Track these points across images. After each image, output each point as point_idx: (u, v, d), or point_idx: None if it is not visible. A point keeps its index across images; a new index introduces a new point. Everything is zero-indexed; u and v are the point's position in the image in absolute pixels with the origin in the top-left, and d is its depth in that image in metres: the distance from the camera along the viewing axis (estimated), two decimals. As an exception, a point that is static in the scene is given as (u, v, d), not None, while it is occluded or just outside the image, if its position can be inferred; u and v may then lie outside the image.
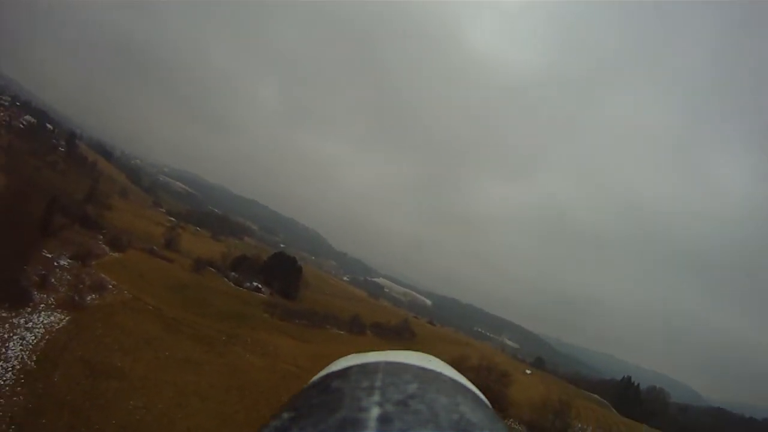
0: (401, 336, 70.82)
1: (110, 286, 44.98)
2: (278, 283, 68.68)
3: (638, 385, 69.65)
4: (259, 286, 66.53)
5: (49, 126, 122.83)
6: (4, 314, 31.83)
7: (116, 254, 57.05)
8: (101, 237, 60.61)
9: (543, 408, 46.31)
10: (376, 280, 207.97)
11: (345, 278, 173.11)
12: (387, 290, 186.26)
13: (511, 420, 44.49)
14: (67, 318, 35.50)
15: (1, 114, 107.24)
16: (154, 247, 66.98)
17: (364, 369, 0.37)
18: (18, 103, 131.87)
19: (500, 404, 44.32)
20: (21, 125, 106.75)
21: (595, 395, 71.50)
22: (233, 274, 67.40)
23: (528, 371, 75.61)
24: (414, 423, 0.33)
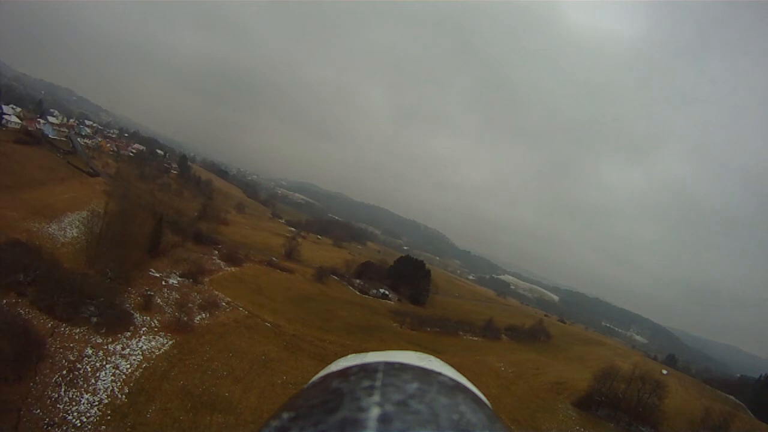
0: (536, 338, 71.26)
1: (223, 304, 44.36)
2: (406, 289, 68.95)
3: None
4: (386, 292, 66.54)
5: (159, 151, 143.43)
6: (98, 340, 29.72)
7: (232, 269, 58.35)
8: (216, 252, 62.65)
9: (701, 423, 44.03)
10: (501, 277, 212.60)
11: (470, 277, 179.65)
12: (513, 287, 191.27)
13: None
14: (170, 342, 32.81)
15: (109, 145, 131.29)
16: (274, 258, 67.66)
17: (364, 369, 0.41)
18: (126, 134, 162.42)
19: (651, 419, 43.32)
20: (130, 153, 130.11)
21: (731, 396, 71.77)
22: (358, 281, 67.85)
23: (664, 371, 74.84)
24: (414, 423, 0.34)
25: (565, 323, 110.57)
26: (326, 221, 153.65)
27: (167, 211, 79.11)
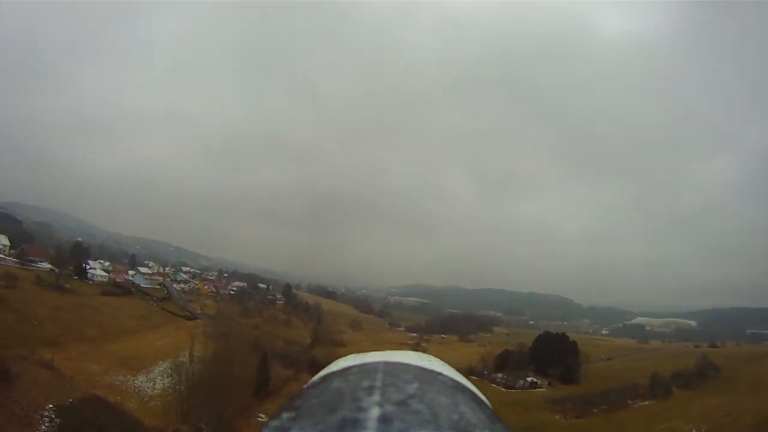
0: (706, 376, 71.80)
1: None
2: (554, 369, 70.69)
3: None
4: (534, 380, 68.95)
5: (262, 285, 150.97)
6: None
7: None
8: None
9: None
10: (633, 322, 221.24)
11: (604, 332, 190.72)
12: (649, 328, 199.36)
13: None
14: None
15: (207, 287, 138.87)
16: None
17: (364, 369, 0.46)
18: (226, 274, 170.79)
19: None
20: (231, 292, 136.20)
21: None
22: (500, 375, 70.47)
23: None
24: (414, 423, 0.38)
25: (717, 347, 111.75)
26: (446, 318, 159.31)
27: (276, 343, 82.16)
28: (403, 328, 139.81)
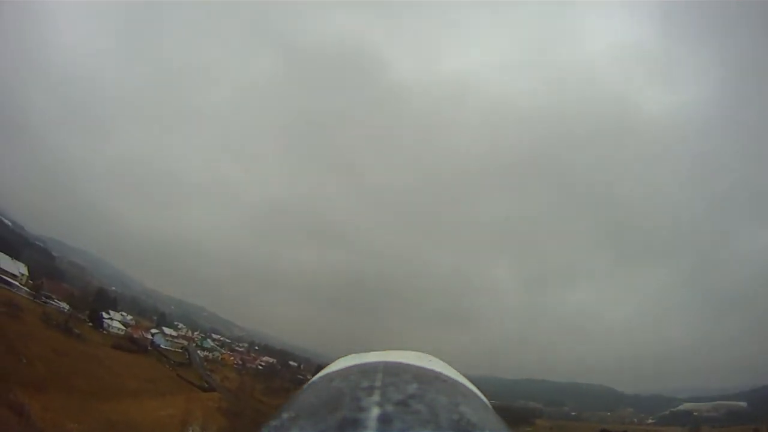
0: None
1: None
2: None
3: None
4: None
5: (293, 363, 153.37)
6: None
7: None
8: None
9: None
10: (680, 408, 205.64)
11: (650, 421, 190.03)
12: (697, 414, 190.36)
13: None
14: None
15: (233, 358, 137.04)
16: None
17: (364, 369, 0.51)
18: (256, 347, 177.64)
19: None
20: (258, 367, 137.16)
21: None
22: None
23: None
24: (414, 423, 0.41)
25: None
26: None
27: None
28: None
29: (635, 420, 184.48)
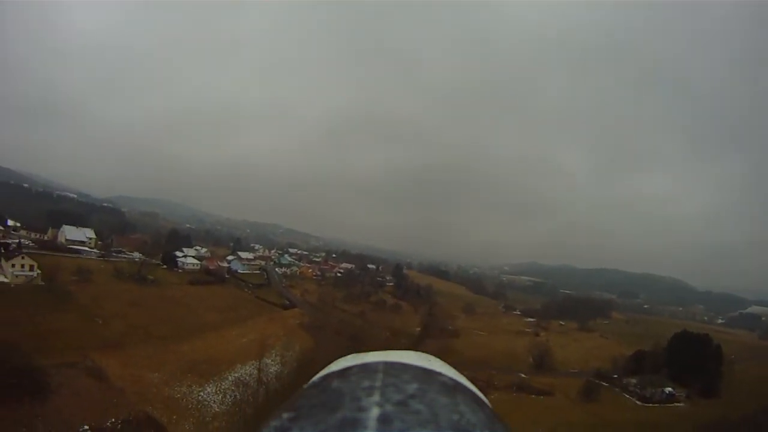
0: None
1: None
2: (693, 377, 69.00)
3: None
4: (672, 390, 66.79)
5: (371, 266, 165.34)
6: None
7: None
8: None
9: None
10: (748, 311, 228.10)
11: (719, 321, 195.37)
12: (764, 319, 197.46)
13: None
14: None
15: (311, 270, 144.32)
16: (523, 375, 69.08)
17: (364, 369, 0.51)
18: (334, 255, 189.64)
19: None
20: (337, 275, 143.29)
21: None
22: (634, 382, 68.63)
23: None
24: (414, 423, 0.42)
25: None
26: (561, 301, 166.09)
27: (380, 335, 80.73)
28: (518, 312, 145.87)
29: (705, 318, 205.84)
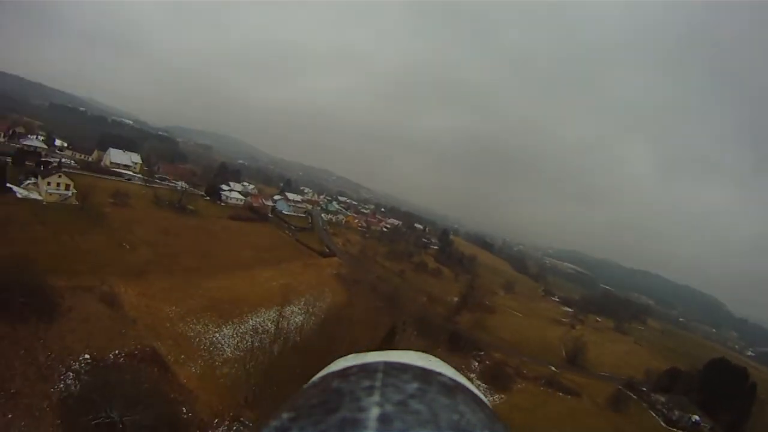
0: None
1: None
2: (723, 410, 66.41)
3: None
4: (698, 420, 64.32)
5: (418, 226, 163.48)
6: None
7: (497, 397, 54.59)
8: (475, 365, 61.18)
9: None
10: None
11: (749, 353, 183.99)
12: None
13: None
14: None
15: (358, 221, 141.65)
16: (553, 368, 68.07)
17: (364, 369, 0.51)
18: (383, 209, 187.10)
19: None
20: (383, 229, 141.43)
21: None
22: (662, 400, 66.42)
23: None
24: (414, 423, 0.42)
25: None
26: (600, 296, 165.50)
27: (417, 298, 77.87)
28: (557, 299, 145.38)
29: (736, 347, 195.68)
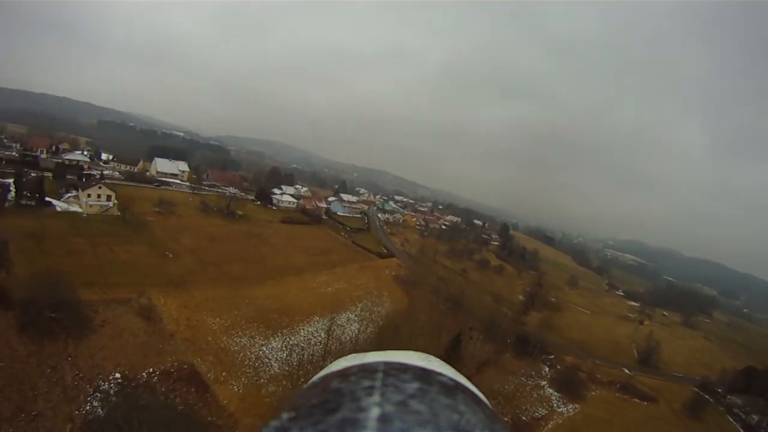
0: None
1: None
2: None
3: None
4: None
5: (477, 222, 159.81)
6: None
7: (570, 408, 50.88)
8: (545, 371, 57.99)
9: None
10: None
11: None
12: None
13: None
14: None
15: (415, 219, 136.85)
16: (626, 370, 65.06)
17: (364, 369, 0.52)
18: (440, 207, 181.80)
19: None
20: (442, 227, 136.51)
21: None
22: (739, 402, 63.55)
23: None
24: (414, 423, 0.41)
25: None
26: (664, 288, 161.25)
27: (481, 299, 74.81)
28: (621, 293, 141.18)
29: None
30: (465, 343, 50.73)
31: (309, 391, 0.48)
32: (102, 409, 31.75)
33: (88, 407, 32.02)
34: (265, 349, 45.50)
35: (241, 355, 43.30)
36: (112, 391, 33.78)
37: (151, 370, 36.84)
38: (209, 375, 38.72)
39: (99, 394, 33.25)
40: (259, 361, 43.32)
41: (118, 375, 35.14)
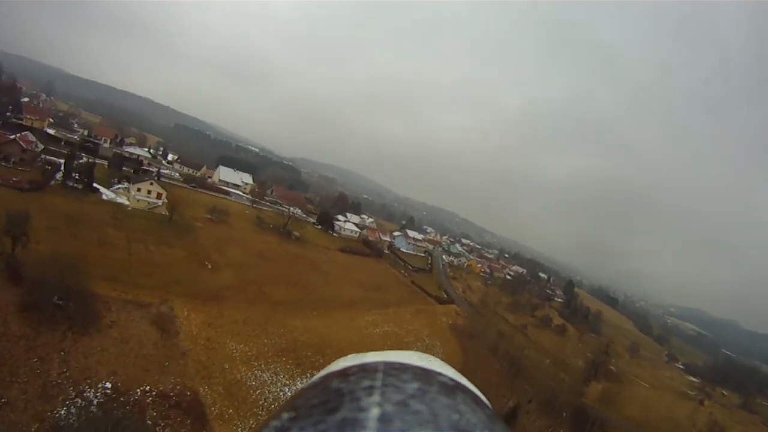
0: None
1: None
2: None
3: None
4: None
5: (542, 275, 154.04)
6: None
7: None
8: None
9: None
10: None
11: None
12: None
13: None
14: None
15: (480, 266, 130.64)
16: None
17: (364, 369, 0.52)
18: (506, 255, 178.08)
19: None
20: (507, 276, 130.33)
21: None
22: None
23: None
24: (414, 423, 0.40)
25: None
26: (723, 363, 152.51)
27: (540, 361, 71.28)
28: (681, 365, 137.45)
29: None
30: (520, 417, 42.83)
31: (309, 391, 0.47)
32: (77, 418, 26.49)
33: (63, 411, 26.86)
34: (287, 390, 38.66)
35: (258, 392, 36.73)
36: (95, 401, 28.51)
37: (147, 388, 31.27)
38: (213, 409, 32.43)
39: (80, 401, 28.05)
40: (277, 404, 36.44)
41: (108, 385, 29.90)
